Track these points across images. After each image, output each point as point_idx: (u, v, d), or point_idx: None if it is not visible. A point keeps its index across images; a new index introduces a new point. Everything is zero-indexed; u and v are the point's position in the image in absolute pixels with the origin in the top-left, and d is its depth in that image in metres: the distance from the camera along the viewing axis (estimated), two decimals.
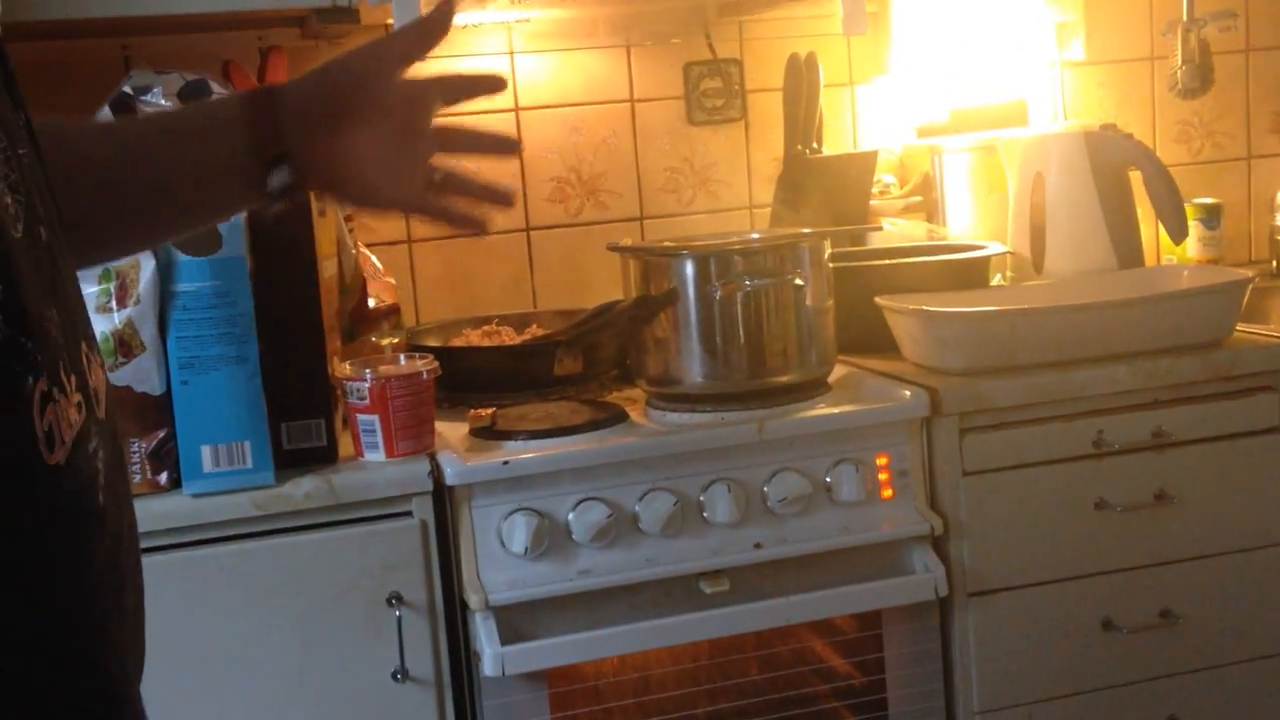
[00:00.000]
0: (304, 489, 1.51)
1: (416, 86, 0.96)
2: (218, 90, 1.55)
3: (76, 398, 0.68)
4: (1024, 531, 1.72)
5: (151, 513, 1.46)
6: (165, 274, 1.47)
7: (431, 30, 0.95)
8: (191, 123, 0.96)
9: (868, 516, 1.66)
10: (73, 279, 0.74)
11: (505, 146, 1.06)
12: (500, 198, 1.01)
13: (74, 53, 1.95)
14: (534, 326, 2.02)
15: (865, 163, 2.20)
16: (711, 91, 2.26)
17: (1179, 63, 2.21)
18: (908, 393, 1.68)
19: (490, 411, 1.71)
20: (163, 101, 1.52)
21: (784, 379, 1.68)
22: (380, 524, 1.55)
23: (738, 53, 2.27)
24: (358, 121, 0.93)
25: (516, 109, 2.13)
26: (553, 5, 2.02)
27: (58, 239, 0.72)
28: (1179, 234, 2.06)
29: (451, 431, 1.66)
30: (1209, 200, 2.36)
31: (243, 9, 1.74)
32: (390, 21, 1.71)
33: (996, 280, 2.10)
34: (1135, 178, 2.08)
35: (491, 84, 1.02)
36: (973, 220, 2.24)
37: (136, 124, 1.04)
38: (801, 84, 2.16)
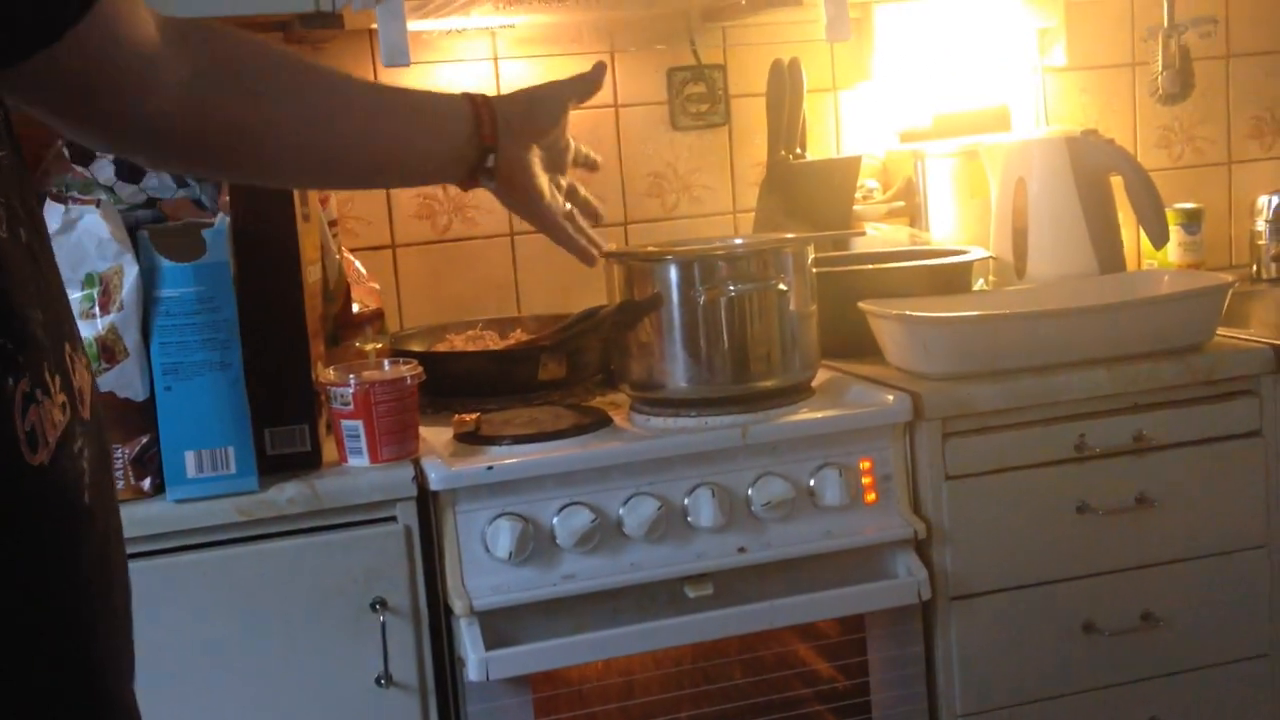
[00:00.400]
0: (288, 494, 1.51)
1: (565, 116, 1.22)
2: None
3: (61, 398, 0.68)
4: (1006, 535, 1.72)
5: (135, 519, 1.45)
6: (148, 279, 1.47)
7: (594, 85, 1.27)
8: (429, 104, 1.14)
9: (851, 521, 1.66)
10: (56, 280, 0.74)
11: (593, 164, 1.33)
12: (594, 212, 1.30)
13: None
14: (518, 331, 2.02)
15: (848, 168, 2.21)
16: (695, 97, 2.27)
17: (1160, 68, 2.22)
18: (891, 397, 1.69)
19: (474, 416, 1.71)
20: None
21: (767, 384, 1.69)
22: (364, 529, 1.54)
23: (721, 58, 2.28)
24: (537, 138, 1.17)
25: None
26: (537, 11, 2.02)
27: (38, 240, 0.72)
28: (1160, 239, 2.08)
29: (436, 436, 1.66)
30: (1190, 205, 2.37)
31: (226, 14, 1.74)
32: (374, 26, 1.71)
33: (979, 285, 2.11)
34: (1116, 183, 2.09)
35: (598, 77, 1.29)
36: (955, 225, 2.25)
37: (379, 89, 1.16)
38: (785, 89, 2.16)
